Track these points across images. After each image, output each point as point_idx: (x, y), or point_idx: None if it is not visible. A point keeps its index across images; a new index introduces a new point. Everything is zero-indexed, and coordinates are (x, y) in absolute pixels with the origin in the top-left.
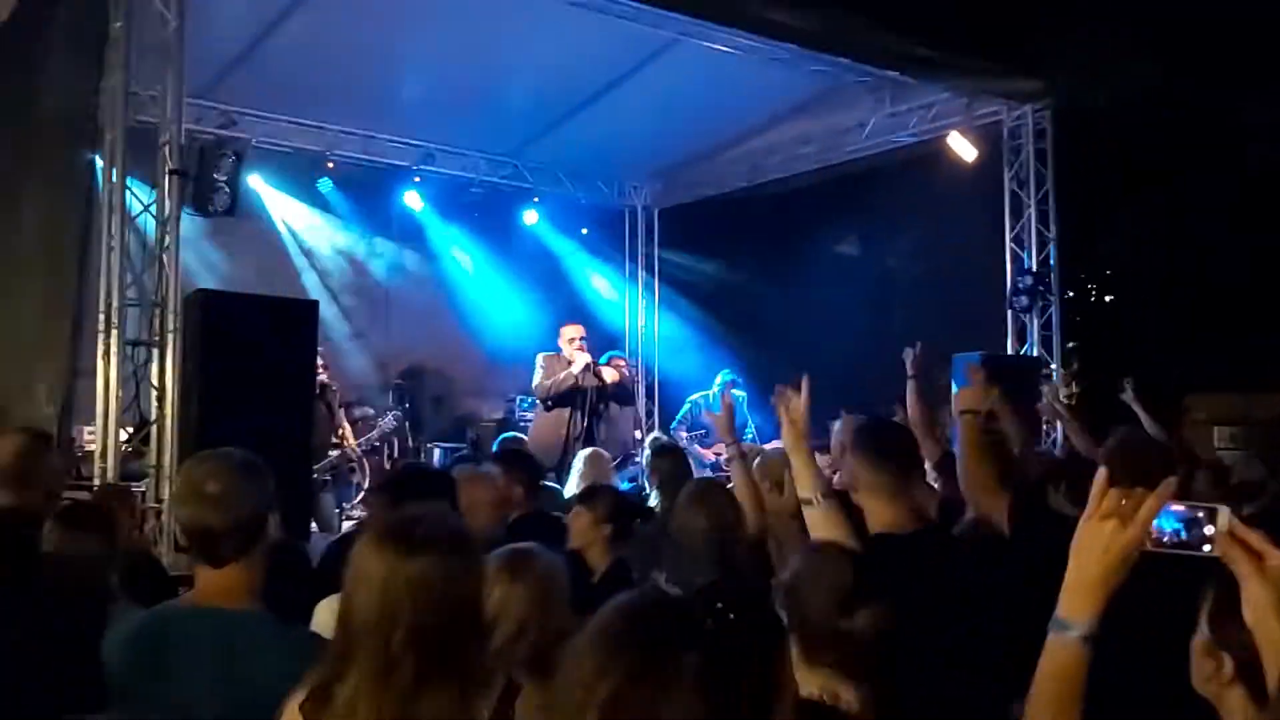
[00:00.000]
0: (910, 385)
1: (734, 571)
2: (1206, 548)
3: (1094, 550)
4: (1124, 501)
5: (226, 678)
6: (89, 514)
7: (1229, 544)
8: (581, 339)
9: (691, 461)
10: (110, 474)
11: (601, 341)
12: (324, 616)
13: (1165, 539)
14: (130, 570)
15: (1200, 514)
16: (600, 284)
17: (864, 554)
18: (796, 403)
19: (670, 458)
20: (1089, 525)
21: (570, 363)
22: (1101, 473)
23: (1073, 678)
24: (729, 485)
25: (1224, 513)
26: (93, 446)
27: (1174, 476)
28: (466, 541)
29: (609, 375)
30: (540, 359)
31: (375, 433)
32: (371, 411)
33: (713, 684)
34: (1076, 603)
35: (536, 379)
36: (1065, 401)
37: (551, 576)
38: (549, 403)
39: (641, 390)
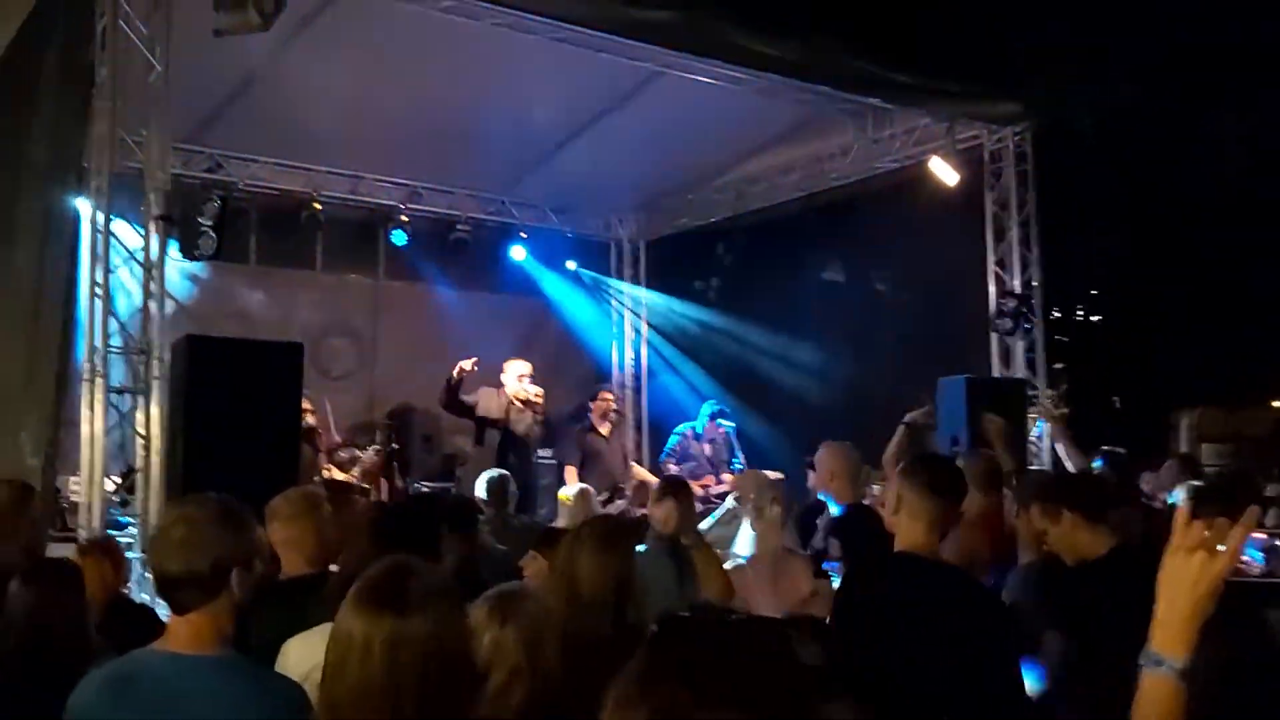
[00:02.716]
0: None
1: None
2: None
3: (1184, 583)
4: (1208, 533)
5: None
6: (56, 570)
7: None
8: (530, 375)
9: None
10: (95, 524)
11: (589, 375)
12: (295, 656)
13: (1247, 567)
14: (116, 620)
15: (1276, 542)
16: (587, 317)
17: (889, 566)
18: None
19: (676, 496)
20: (1175, 558)
21: (512, 402)
22: (1184, 504)
23: (1173, 714)
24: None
25: None
26: (78, 497)
27: (1256, 506)
28: (456, 593)
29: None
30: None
31: (355, 469)
32: (358, 453)
33: None
34: (1171, 638)
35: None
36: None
37: (543, 617)
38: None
39: (630, 423)
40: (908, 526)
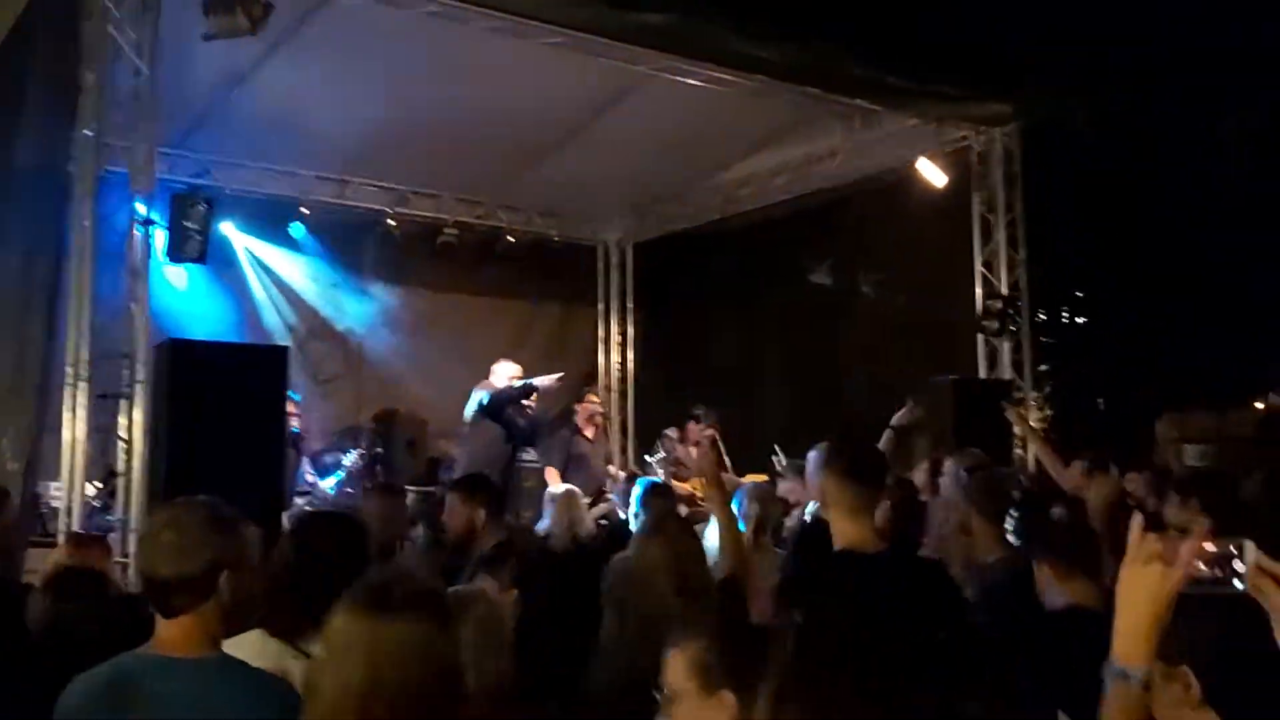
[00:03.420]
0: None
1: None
2: (1237, 583)
3: (1142, 594)
4: (1161, 545)
5: None
6: (79, 579)
7: (1258, 577)
8: (520, 377)
9: None
10: (75, 529)
11: (575, 378)
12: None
13: (1199, 577)
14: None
15: (1230, 549)
16: (573, 320)
17: (829, 568)
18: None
19: (664, 499)
20: (1132, 571)
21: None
22: (1137, 518)
23: None
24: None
25: (1250, 547)
26: (58, 503)
27: (1205, 518)
28: (443, 601)
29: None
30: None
31: (340, 473)
32: (342, 457)
33: None
34: (1133, 649)
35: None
36: (1038, 425)
37: (492, 619)
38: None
39: (616, 426)
40: (837, 520)
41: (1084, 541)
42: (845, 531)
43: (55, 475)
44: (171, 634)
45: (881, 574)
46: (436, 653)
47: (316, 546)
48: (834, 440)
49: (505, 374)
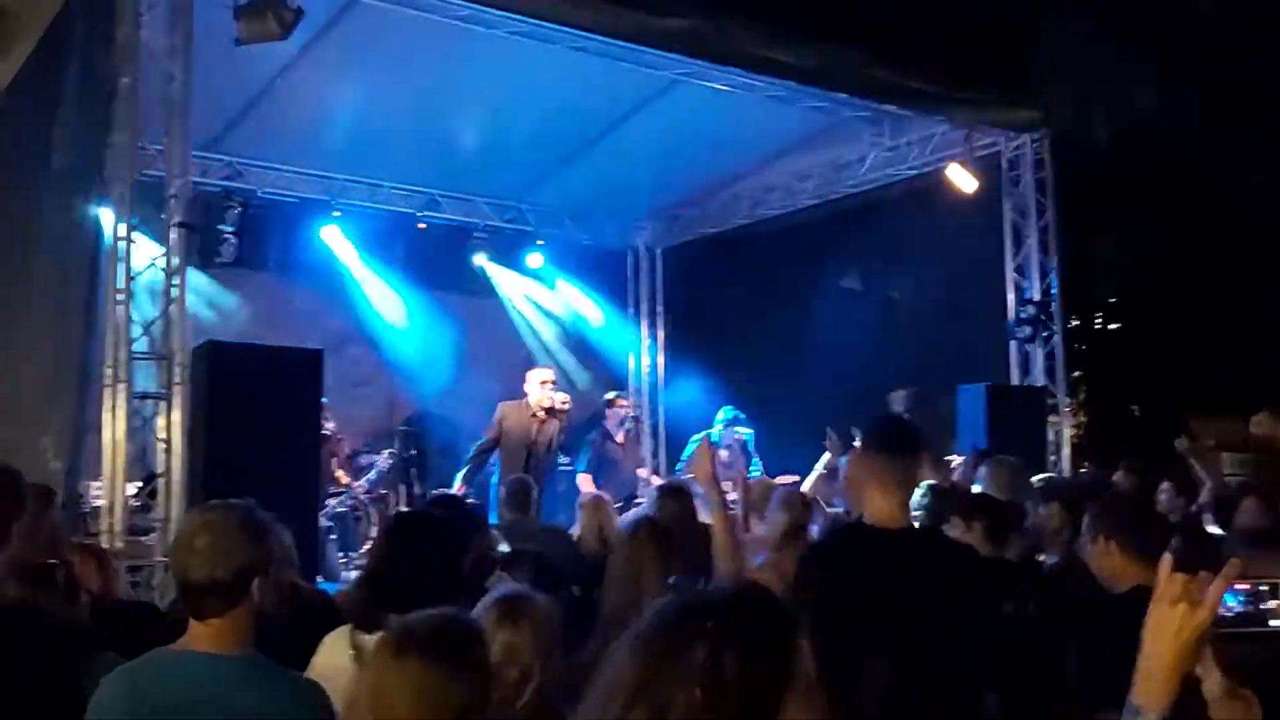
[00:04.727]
0: None
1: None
2: (1273, 622)
3: (1166, 635)
4: (1190, 584)
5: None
6: (45, 571)
7: None
8: (553, 382)
9: (699, 503)
10: (118, 529)
11: (606, 382)
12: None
13: (1231, 616)
14: (112, 621)
15: (1263, 588)
16: (604, 325)
17: (855, 539)
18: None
19: (677, 500)
20: (1158, 610)
21: (535, 415)
22: (1166, 558)
23: None
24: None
25: None
26: (100, 502)
27: (1237, 558)
28: (462, 644)
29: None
30: (500, 410)
31: (373, 473)
32: (376, 459)
33: (717, 673)
34: (1152, 689)
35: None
36: (1072, 431)
37: (549, 619)
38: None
39: (647, 431)
40: (869, 496)
41: (1152, 523)
42: (872, 504)
43: (96, 475)
44: (202, 633)
45: (896, 549)
46: (446, 699)
47: (408, 545)
48: (872, 419)
49: (538, 379)
